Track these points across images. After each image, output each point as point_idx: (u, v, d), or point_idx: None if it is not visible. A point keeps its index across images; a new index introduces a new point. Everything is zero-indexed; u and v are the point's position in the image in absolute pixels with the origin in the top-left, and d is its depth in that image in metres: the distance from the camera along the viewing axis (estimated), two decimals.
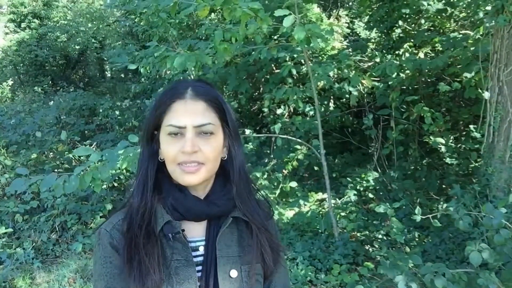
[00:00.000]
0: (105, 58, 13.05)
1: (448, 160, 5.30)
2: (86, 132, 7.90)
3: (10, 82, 13.34)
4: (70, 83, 12.81)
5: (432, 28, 6.28)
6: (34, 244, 4.54)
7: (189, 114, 1.04)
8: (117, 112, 8.30)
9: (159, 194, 1.10)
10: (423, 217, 2.81)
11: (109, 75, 15.54)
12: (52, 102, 9.19)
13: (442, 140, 4.79)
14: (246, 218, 1.13)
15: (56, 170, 5.35)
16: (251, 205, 1.15)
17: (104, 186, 5.43)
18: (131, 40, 10.81)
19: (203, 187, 1.12)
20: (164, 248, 1.05)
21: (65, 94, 9.60)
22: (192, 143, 1.02)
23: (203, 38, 6.86)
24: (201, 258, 1.08)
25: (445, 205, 2.92)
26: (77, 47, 14.12)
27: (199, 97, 1.07)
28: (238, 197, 1.13)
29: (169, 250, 1.05)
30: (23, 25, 13.69)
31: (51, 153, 6.13)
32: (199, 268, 1.07)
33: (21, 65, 13.73)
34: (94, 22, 14.22)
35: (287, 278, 1.27)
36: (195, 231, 1.11)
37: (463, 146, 5.41)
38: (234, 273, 1.08)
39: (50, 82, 13.32)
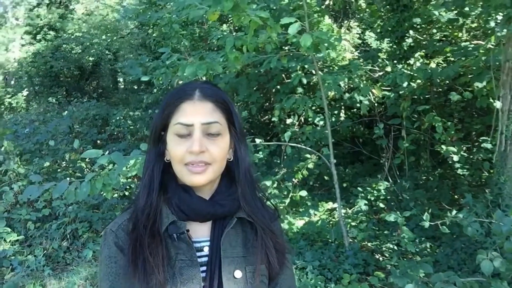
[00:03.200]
0: (119, 70, 13.22)
1: (459, 171, 5.24)
2: (98, 141, 7.98)
3: (25, 92, 13.57)
4: (84, 94, 12.98)
5: (443, 38, 6.26)
6: (45, 251, 4.57)
7: (197, 113, 1.05)
8: (129, 122, 8.38)
9: (164, 194, 1.11)
10: (432, 223, 2.78)
11: (122, 86, 15.73)
12: (66, 112, 9.32)
13: (454, 149, 4.74)
14: (250, 219, 1.13)
15: (68, 178, 5.41)
16: (256, 206, 1.15)
17: (116, 195, 5.47)
18: (144, 51, 10.96)
19: (208, 188, 1.12)
20: (168, 248, 1.05)
21: (78, 104, 9.74)
22: (200, 142, 1.03)
23: (215, 49, 6.93)
24: (205, 259, 1.08)
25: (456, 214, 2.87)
26: (91, 58, 14.32)
27: (207, 98, 1.08)
28: (243, 198, 1.13)
29: (174, 250, 1.05)
30: (38, 37, 13.95)
31: (64, 162, 6.19)
32: (204, 268, 1.06)
33: (36, 76, 13.95)
34: (108, 34, 14.43)
35: (293, 279, 1.26)
36: (200, 232, 1.11)
37: (476, 156, 5.36)
38: (238, 274, 1.08)
39: (65, 93, 13.50)
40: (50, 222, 4.92)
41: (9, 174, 5.39)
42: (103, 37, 14.35)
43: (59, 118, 8.63)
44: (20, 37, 14.16)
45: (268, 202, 1.25)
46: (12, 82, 16.24)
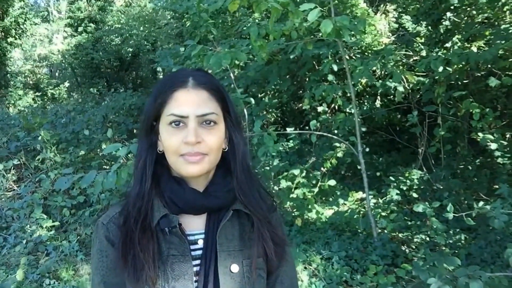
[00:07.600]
0: (156, 60, 13.45)
1: (500, 160, 4.98)
2: (134, 130, 8.12)
3: (66, 84, 14.01)
4: (123, 84, 13.28)
5: (486, 20, 5.93)
6: (79, 237, 4.70)
7: (191, 103, 1.01)
8: None
9: (157, 187, 1.07)
10: (456, 214, 2.65)
11: (161, 76, 15.99)
12: (104, 102, 9.55)
13: (491, 137, 4.48)
14: (247, 210, 1.09)
15: (103, 166, 5.55)
16: (253, 197, 1.10)
17: None
18: (180, 41, 11.04)
19: (203, 179, 1.09)
20: (160, 243, 1.02)
21: (114, 95, 9.94)
22: (196, 133, 0.99)
23: (246, 37, 6.87)
24: (199, 252, 1.05)
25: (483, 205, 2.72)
26: (130, 49, 14.62)
27: (201, 86, 1.03)
28: (239, 189, 1.08)
29: (165, 245, 1.02)
30: (80, 29, 14.35)
31: (99, 150, 6.33)
32: (198, 262, 1.03)
33: (78, 67, 14.38)
34: (146, 25, 14.67)
35: (294, 273, 1.22)
36: (195, 224, 1.07)
37: None
38: (235, 268, 1.04)
39: (105, 84, 13.85)
40: (84, 209, 5.06)
41: (46, 163, 5.58)
42: (141, 28, 14.60)
43: (96, 108, 8.84)
44: (63, 30, 14.61)
45: (266, 192, 1.21)
46: (57, 74, 16.86)
